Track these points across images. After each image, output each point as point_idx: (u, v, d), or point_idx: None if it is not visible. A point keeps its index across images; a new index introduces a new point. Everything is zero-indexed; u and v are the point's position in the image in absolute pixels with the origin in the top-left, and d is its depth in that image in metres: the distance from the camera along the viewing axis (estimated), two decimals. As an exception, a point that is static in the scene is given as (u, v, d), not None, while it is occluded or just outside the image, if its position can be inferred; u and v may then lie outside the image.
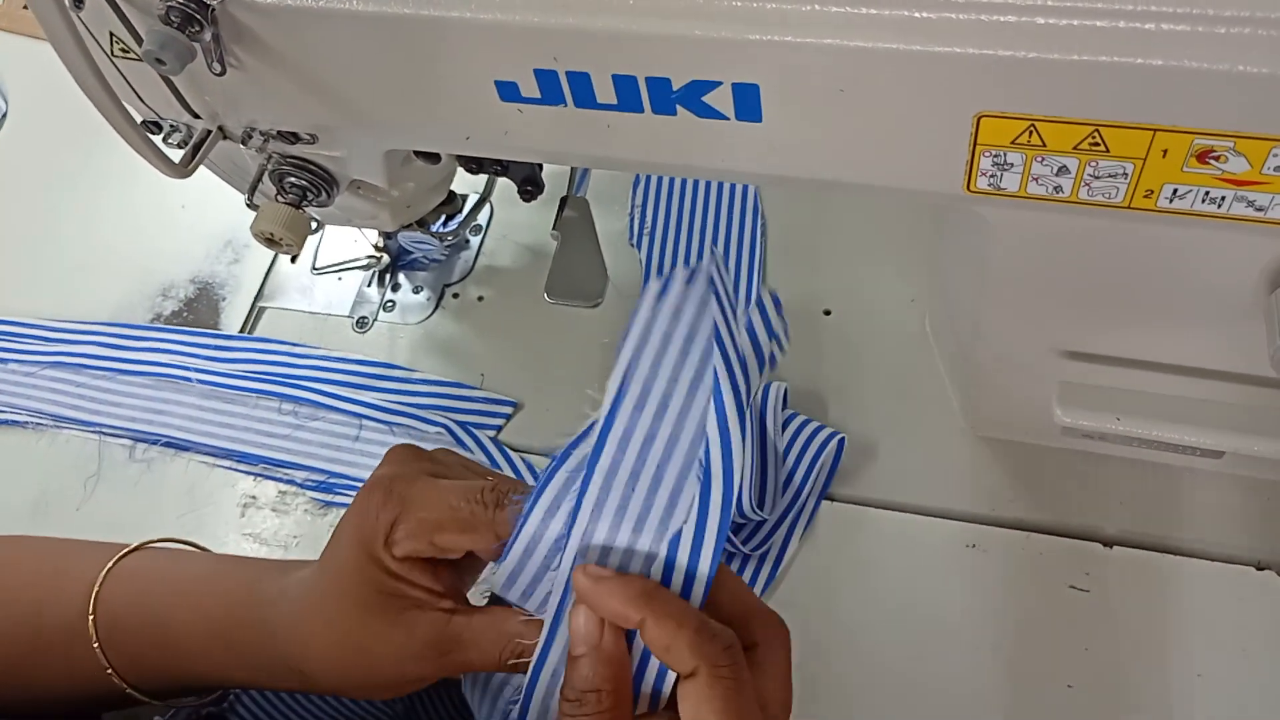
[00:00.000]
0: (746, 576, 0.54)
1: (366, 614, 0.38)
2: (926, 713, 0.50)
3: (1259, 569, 0.50)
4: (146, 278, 0.73)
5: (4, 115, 0.83)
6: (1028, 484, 0.54)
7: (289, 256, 0.70)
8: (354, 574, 0.38)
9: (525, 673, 0.36)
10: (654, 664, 0.35)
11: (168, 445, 0.65)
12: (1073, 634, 0.50)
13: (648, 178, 0.68)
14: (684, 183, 0.67)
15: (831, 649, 0.52)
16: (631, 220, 0.67)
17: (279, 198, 0.50)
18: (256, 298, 0.70)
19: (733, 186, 0.66)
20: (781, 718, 0.36)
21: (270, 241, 0.50)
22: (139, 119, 0.47)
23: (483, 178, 0.62)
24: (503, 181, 0.58)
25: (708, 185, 0.67)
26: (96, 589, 0.44)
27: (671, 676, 0.35)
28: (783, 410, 0.57)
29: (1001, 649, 0.50)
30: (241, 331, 0.69)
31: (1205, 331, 0.43)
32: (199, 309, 0.71)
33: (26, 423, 0.67)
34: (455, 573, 0.40)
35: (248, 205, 0.51)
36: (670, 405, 0.37)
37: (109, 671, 0.43)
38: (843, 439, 0.56)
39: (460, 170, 0.56)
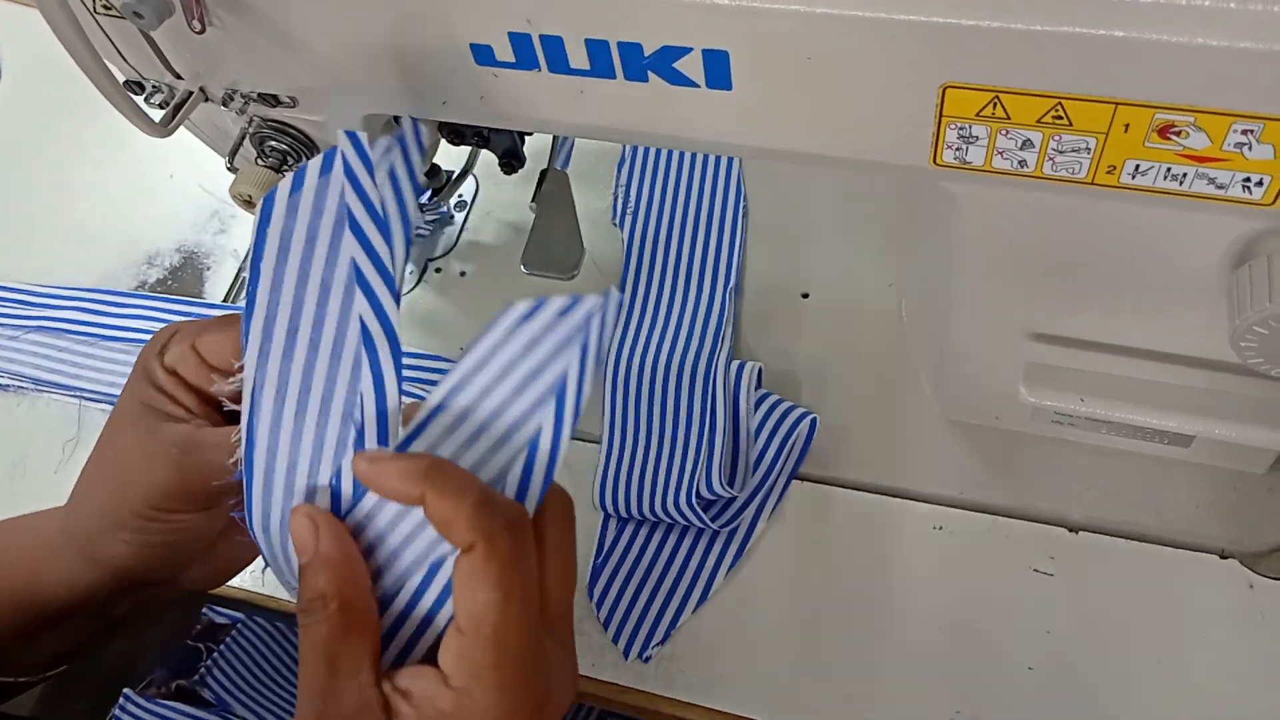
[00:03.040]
0: (714, 553, 0.54)
1: (126, 422, 0.40)
2: (888, 691, 0.50)
3: (1222, 557, 0.50)
4: (133, 245, 0.73)
5: (-3, 83, 0.83)
6: (996, 468, 0.54)
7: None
8: (126, 392, 0.41)
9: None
10: (422, 607, 0.34)
11: (148, 412, 0.65)
12: (1035, 617, 0.50)
13: (633, 158, 0.68)
14: (668, 164, 0.67)
15: (796, 627, 0.52)
16: (615, 199, 0.67)
17: (259, 161, 0.51)
18: (241, 268, 0.70)
19: (716, 168, 0.67)
20: (562, 601, 0.35)
21: (249, 204, 0.50)
22: (122, 79, 0.47)
23: (465, 153, 0.62)
24: (490, 158, 0.59)
25: (691, 167, 0.67)
26: None
27: (443, 618, 0.34)
28: (756, 390, 0.57)
29: (964, 630, 0.51)
30: (225, 301, 0.69)
31: (1170, 315, 0.44)
32: (184, 277, 0.71)
33: (7, 385, 0.67)
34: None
35: (228, 168, 0.52)
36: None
37: None
38: (815, 419, 0.56)
39: (444, 144, 0.57)
